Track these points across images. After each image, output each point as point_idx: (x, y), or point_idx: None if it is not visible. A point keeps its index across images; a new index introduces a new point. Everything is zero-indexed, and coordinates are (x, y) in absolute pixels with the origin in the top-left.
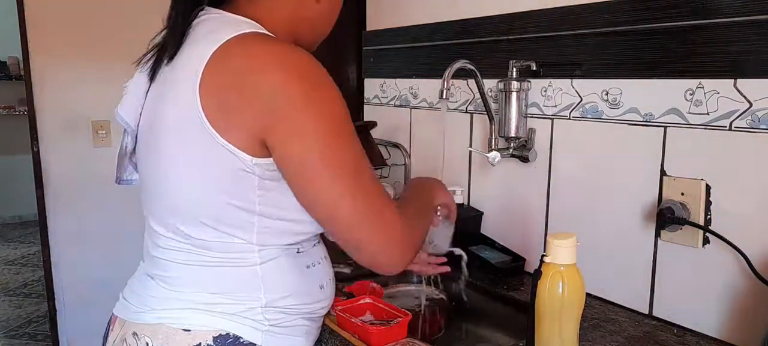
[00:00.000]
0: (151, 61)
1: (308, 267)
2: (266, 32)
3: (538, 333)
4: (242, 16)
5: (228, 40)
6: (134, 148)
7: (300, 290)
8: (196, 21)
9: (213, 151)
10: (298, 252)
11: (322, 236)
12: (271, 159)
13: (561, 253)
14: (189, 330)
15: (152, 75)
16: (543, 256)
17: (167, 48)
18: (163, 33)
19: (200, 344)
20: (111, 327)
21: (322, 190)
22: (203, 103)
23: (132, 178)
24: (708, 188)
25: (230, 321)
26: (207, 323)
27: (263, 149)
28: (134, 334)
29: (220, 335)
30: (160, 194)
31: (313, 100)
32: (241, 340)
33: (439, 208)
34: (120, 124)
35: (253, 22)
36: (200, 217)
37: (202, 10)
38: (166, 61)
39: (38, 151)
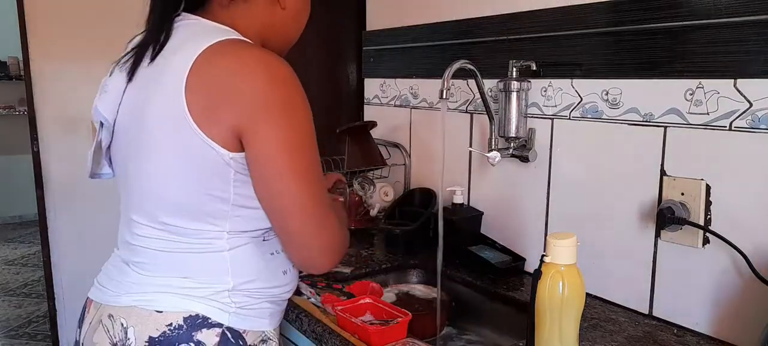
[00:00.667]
0: (129, 62)
1: (272, 254)
2: (244, 39)
3: (538, 333)
4: (218, 22)
5: (213, 43)
6: (110, 144)
7: (264, 275)
8: (175, 25)
9: (195, 145)
10: (263, 239)
11: None
12: (244, 153)
13: (561, 253)
14: (161, 312)
15: (131, 75)
16: (543, 256)
17: (147, 50)
18: (141, 36)
19: (171, 324)
20: (86, 311)
21: (284, 187)
22: (188, 101)
23: (104, 172)
24: (708, 187)
25: (199, 303)
26: (178, 304)
27: (238, 145)
28: (110, 316)
29: (190, 315)
30: (142, 185)
31: (291, 106)
32: (210, 320)
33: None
34: (96, 120)
35: (229, 28)
36: (180, 206)
37: (179, 15)
38: (147, 63)
39: (38, 151)
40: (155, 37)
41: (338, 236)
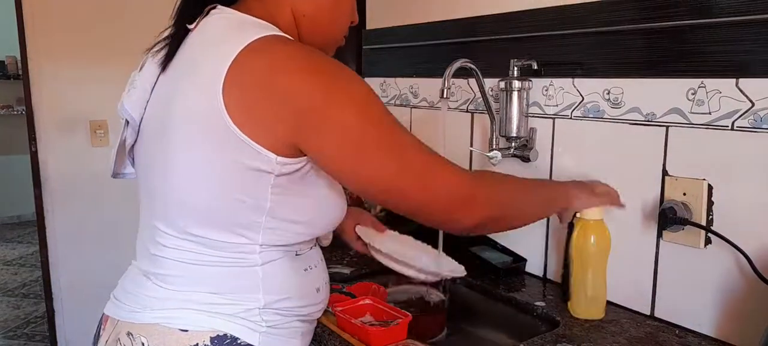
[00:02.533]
0: (162, 52)
1: (306, 270)
2: (284, 34)
3: (573, 277)
4: (252, 15)
5: (251, 43)
6: (133, 143)
7: (298, 293)
8: (211, 17)
9: (231, 148)
10: (297, 254)
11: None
12: (297, 159)
13: (590, 210)
14: (186, 330)
15: (165, 65)
16: (576, 214)
17: (180, 39)
18: (174, 24)
19: (197, 344)
20: (102, 327)
21: (369, 173)
22: (226, 102)
23: (127, 171)
24: (710, 187)
25: (228, 322)
26: (204, 323)
27: (290, 150)
28: (129, 334)
29: (218, 335)
30: (168, 190)
31: (333, 92)
32: (239, 341)
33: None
34: (122, 116)
35: (267, 23)
36: (208, 214)
37: (214, 7)
38: (182, 55)
39: (36, 150)
40: (183, 25)
41: (458, 184)
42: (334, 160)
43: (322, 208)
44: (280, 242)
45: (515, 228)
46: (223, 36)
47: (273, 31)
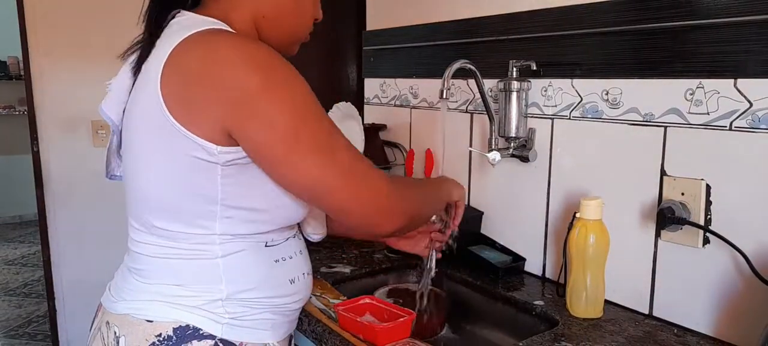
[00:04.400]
0: (134, 56)
1: (277, 261)
2: (228, 28)
3: (570, 275)
4: (209, 16)
5: (187, 36)
6: (120, 145)
7: (266, 284)
8: (171, 22)
9: (176, 142)
10: (266, 245)
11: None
12: (238, 148)
13: (589, 210)
14: (151, 321)
15: (137, 70)
16: (575, 213)
17: (147, 44)
18: (143, 33)
19: (161, 334)
20: (96, 314)
21: (295, 170)
22: (164, 97)
23: (119, 173)
24: (708, 187)
25: (190, 313)
26: (168, 314)
27: (228, 139)
28: (107, 323)
29: (180, 326)
30: (134, 188)
31: (272, 86)
32: (201, 332)
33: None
34: (105, 119)
35: (218, 21)
36: (166, 208)
37: (178, 12)
38: (146, 58)
39: (38, 150)
40: (150, 31)
41: (385, 191)
42: (262, 151)
43: (278, 196)
44: (240, 232)
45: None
46: (168, 36)
47: (217, 25)
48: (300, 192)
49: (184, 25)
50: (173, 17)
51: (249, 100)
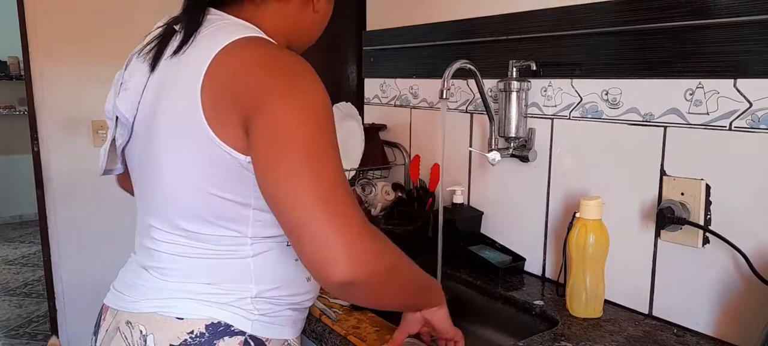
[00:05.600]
0: (152, 53)
1: (297, 260)
2: (264, 36)
3: (570, 274)
4: (246, 20)
5: (228, 43)
6: (126, 143)
7: (288, 282)
8: (205, 20)
9: (211, 151)
10: (288, 244)
11: None
12: None
13: (588, 210)
14: (182, 319)
15: (153, 65)
16: (575, 213)
17: (170, 40)
18: (163, 26)
19: (193, 331)
20: (102, 317)
21: (277, 174)
22: (204, 106)
23: (115, 168)
24: (708, 187)
25: (222, 310)
26: (200, 311)
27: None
28: (128, 322)
29: (212, 323)
30: (158, 188)
31: (292, 90)
32: (232, 328)
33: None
34: (110, 118)
35: (254, 26)
36: (198, 212)
37: (210, 11)
38: (169, 53)
39: (38, 150)
40: (181, 28)
41: (359, 230)
42: (258, 148)
43: None
44: (270, 233)
45: (379, 307)
46: (206, 38)
47: (253, 32)
48: (274, 201)
49: (222, 27)
50: (207, 14)
51: (266, 97)
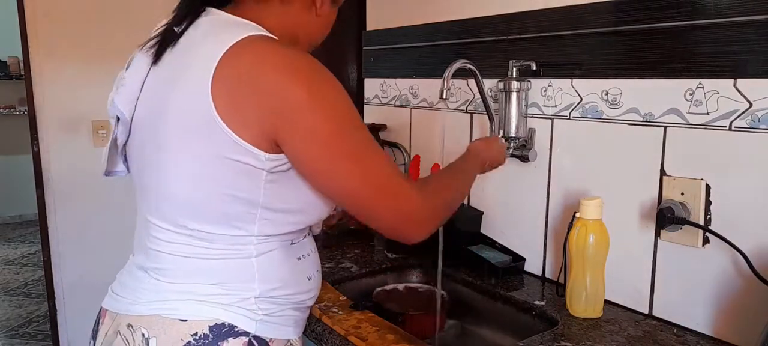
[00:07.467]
0: (154, 47)
1: (299, 259)
2: (270, 35)
3: (570, 274)
4: (245, 18)
5: (238, 40)
6: (126, 140)
7: (290, 281)
8: (201, 17)
9: (222, 145)
10: (291, 244)
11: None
12: (282, 155)
13: (588, 210)
14: (185, 320)
15: (156, 59)
16: (575, 213)
17: (172, 35)
18: (165, 24)
19: (197, 333)
20: (101, 321)
21: (332, 180)
22: (215, 101)
23: (118, 169)
24: (708, 187)
25: (225, 311)
26: (203, 313)
27: (274, 146)
28: (129, 326)
29: (216, 324)
30: (161, 186)
31: (317, 99)
32: (236, 329)
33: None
34: (112, 115)
35: (254, 24)
36: (201, 209)
37: (204, 9)
38: (171, 51)
39: (38, 150)
40: (179, 23)
41: (415, 204)
42: (303, 160)
43: (314, 197)
44: (275, 232)
45: None
46: (208, 35)
47: (258, 30)
48: (336, 200)
49: (222, 24)
50: (199, 14)
51: (293, 111)
